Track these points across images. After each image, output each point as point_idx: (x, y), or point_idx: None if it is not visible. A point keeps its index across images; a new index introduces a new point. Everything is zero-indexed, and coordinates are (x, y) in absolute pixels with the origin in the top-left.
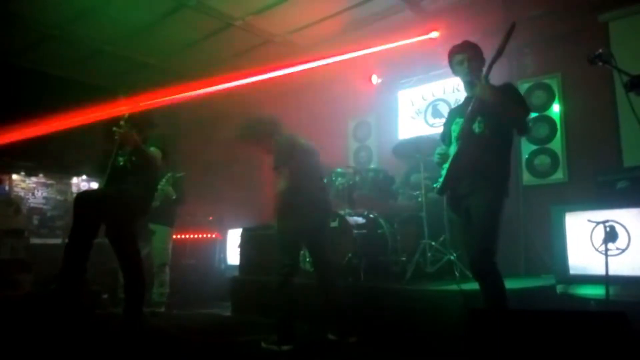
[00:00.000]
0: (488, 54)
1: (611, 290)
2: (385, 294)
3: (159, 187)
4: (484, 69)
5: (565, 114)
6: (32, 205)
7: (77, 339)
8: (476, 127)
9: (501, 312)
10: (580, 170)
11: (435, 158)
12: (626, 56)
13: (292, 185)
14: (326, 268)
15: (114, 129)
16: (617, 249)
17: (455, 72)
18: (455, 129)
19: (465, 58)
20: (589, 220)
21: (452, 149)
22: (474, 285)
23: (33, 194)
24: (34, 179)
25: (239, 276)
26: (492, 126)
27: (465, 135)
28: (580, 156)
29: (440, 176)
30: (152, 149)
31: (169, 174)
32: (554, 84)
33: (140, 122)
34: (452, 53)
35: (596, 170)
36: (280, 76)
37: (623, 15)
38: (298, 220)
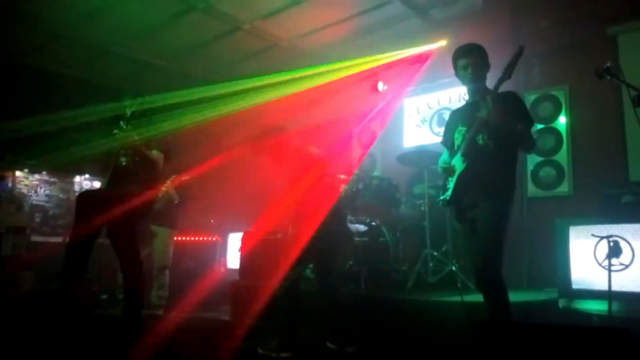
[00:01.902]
0: (495, 64)
1: (614, 306)
2: (386, 304)
3: (162, 189)
4: (494, 86)
5: (571, 126)
6: (34, 202)
7: (75, 340)
8: (480, 139)
9: (504, 325)
10: (585, 183)
11: (439, 169)
12: (634, 70)
13: (306, 196)
14: (329, 275)
15: (114, 130)
16: (621, 264)
17: (458, 76)
18: (458, 137)
19: (470, 64)
20: (593, 235)
21: (457, 160)
22: (476, 297)
23: (36, 191)
24: (37, 176)
25: (238, 280)
26: (495, 138)
27: (470, 149)
28: (585, 169)
29: (444, 186)
30: (154, 152)
31: (173, 177)
32: (562, 95)
33: (142, 123)
34: (457, 56)
35: (601, 184)
36: (285, 81)
37: (632, 29)
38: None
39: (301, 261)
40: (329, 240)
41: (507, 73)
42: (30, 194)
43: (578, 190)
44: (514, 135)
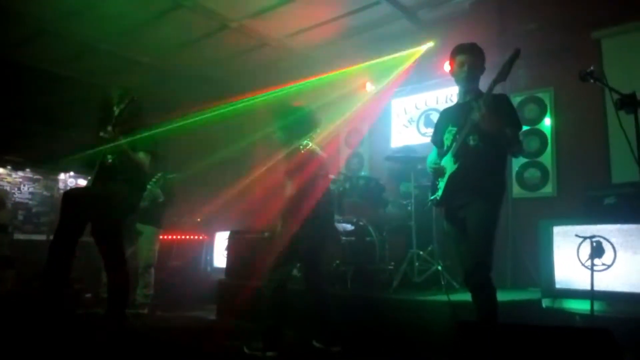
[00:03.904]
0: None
1: (596, 306)
2: (372, 303)
3: (148, 187)
4: (487, 89)
5: (556, 128)
6: (17, 200)
7: (58, 339)
8: (470, 140)
9: (488, 326)
10: (569, 184)
11: (429, 169)
12: (617, 74)
13: (299, 193)
14: (316, 274)
15: (101, 134)
16: (603, 264)
17: (453, 73)
18: (448, 138)
19: (467, 61)
20: (577, 235)
21: (447, 160)
22: (461, 296)
23: (19, 188)
24: (20, 173)
25: (225, 279)
26: (486, 140)
27: (462, 150)
28: (569, 171)
29: (433, 187)
30: (141, 154)
31: (159, 175)
32: (547, 98)
33: (130, 122)
34: (455, 52)
35: (585, 186)
36: (273, 82)
37: (615, 33)
38: (302, 228)
39: (288, 260)
40: (316, 239)
41: (502, 75)
42: (13, 191)
43: (562, 192)
44: (504, 140)
